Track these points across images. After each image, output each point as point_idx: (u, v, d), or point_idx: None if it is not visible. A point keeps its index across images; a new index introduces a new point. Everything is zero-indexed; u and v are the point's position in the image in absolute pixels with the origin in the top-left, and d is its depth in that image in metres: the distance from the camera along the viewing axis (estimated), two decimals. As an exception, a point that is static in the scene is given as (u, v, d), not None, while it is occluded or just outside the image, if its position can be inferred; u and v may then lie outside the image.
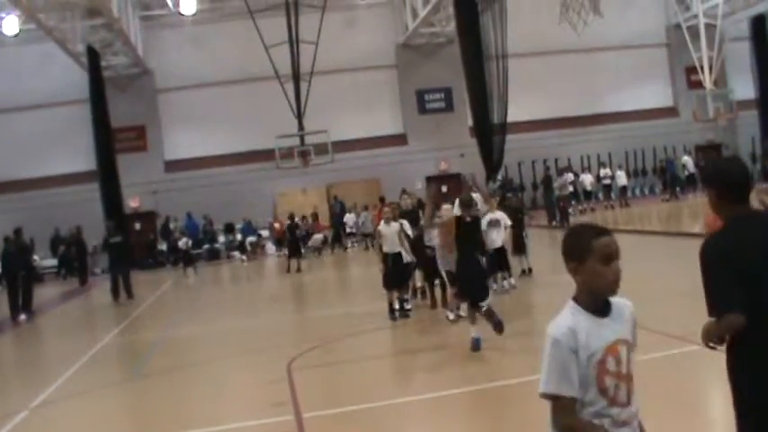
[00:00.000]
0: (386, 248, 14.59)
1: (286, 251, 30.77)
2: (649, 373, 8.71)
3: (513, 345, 11.89)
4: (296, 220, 31.79)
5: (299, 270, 28.74)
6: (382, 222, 15.07)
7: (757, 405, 3.89)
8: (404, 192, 17.29)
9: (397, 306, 14.75)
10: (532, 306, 15.85)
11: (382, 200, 36.86)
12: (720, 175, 4.12)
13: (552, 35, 36.15)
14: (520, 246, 18.36)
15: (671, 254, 20.75)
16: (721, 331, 3.93)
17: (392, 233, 14.56)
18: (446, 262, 13.15)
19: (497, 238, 15.98)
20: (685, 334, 10.22)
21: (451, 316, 13.74)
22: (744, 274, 3.82)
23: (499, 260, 16.26)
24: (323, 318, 16.36)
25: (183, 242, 34.37)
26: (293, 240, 30.14)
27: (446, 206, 13.96)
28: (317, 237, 37.49)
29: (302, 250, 31.28)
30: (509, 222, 16.40)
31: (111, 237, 26.48)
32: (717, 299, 3.89)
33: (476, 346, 11.16)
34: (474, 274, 11.61)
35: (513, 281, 16.76)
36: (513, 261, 17.63)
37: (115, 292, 24.88)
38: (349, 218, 37.61)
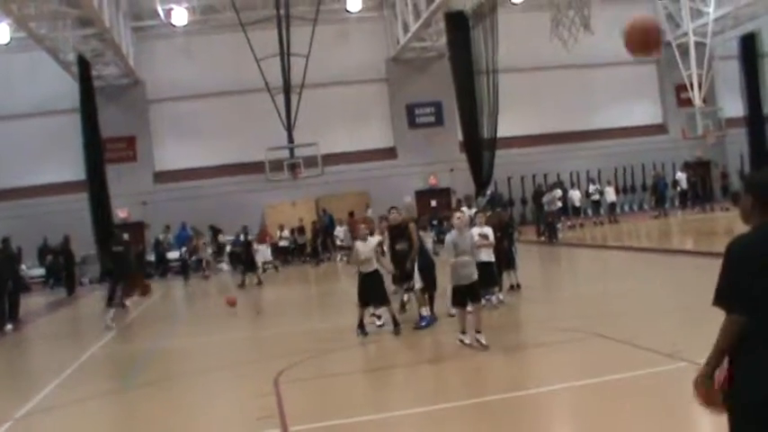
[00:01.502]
0: (360, 267, 14.47)
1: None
2: (638, 390, 8.73)
3: (502, 359, 11.91)
4: (248, 234, 31.56)
5: (259, 283, 28.77)
6: (359, 241, 14.71)
7: (752, 400, 4.06)
8: (392, 208, 17.29)
9: (379, 322, 15.01)
10: (521, 321, 15.83)
11: (351, 214, 36.90)
12: (764, 183, 4.32)
13: (543, 51, 36.30)
14: (509, 261, 18.23)
15: (660, 271, 20.82)
16: (722, 332, 4.12)
17: (369, 250, 14.41)
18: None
19: (483, 252, 15.99)
20: (674, 351, 10.24)
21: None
22: (763, 277, 4.04)
23: (487, 275, 16.23)
24: (310, 331, 16.32)
25: (183, 252, 34.54)
26: (248, 255, 30.06)
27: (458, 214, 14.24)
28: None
29: (258, 264, 30.96)
30: (492, 239, 16.39)
31: (114, 245, 26.03)
32: (726, 294, 4.13)
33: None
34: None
35: (501, 296, 16.74)
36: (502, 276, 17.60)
37: (110, 299, 23.86)
38: (339, 231, 37.56)
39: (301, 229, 39.48)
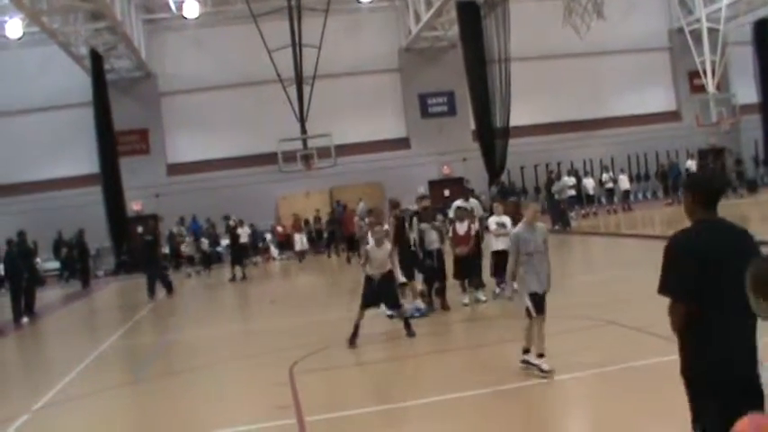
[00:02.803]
0: (371, 270, 13.37)
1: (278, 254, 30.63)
2: (652, 378, 8.71)
3: (516, 348, 11.92)
4: (236, 224, 31.88)
5: (243, 278, 28.90)
6: (372, 244, 13.63)
7: (700, 370, 4.79)
8: (422, 197, 17.46)
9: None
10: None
11: (344, 207, 36.77)
12: (702, 183, 5.00)
13: (555, 39, 36.22)
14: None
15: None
16: (673, 318, 4.86)
17: (383, 256, 13.37)
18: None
19: (501, 241, 16.05)
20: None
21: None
22: (704, 268, 4.64)
23: (505, 264, 16.24)
24: (324, 321, 16.36)
25: (205, 244, 34.90)
26: (236, 247, 30.40)
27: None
28: (299, 238, 37.26)
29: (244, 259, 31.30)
30: (510, 228, 16.43)
31: (145, 234, 27.79)
32: (673, 284, 4.76)
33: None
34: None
35: (515, 285, 16.64)
36: None
37: (151, 291, 25.50)
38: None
39: (317, 220, 39.58)
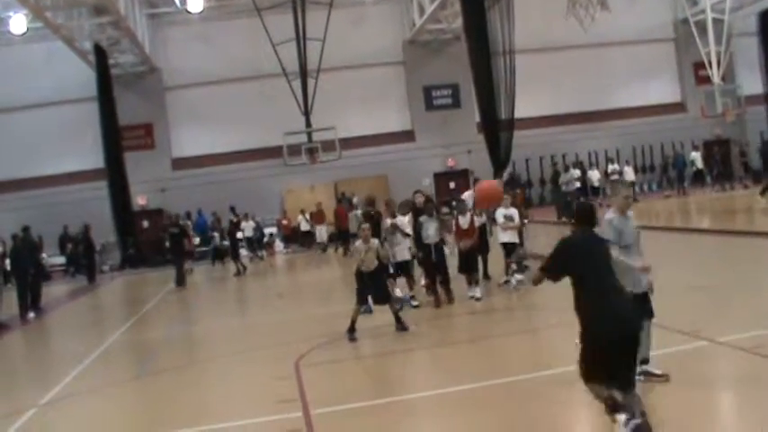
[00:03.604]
0: (362, 266, 13.57)
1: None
2: (660, 369, 8.69)
3: (524, 340, 11.91)
4: (238, 219, 32.23)
5: (239, 273, 29.11)
6: (360, 242, 13.78)
7: (584, 328, 6.89)
8: (417, 192, 17.30)
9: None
10: (541, 302, 15.70)
11: (339, 201, 36.75)
12: (578, 213, 7.67)
13: (560, 31, 36.15)
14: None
15: (678, 250, 20.72)
16: (535, 279, 7.67)
17: (371, 254, 13.53)
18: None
19: (508, 234, 16.06)
20: (694, 330, 10.21)
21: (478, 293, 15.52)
22: (576, 256, 7.14)
23: (509, 255, 16.30)
24: (328, 315, 16.35)
25: (217, 238, 35.25)
26: (235, 242, 30.89)
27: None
28: (320, 229, 37.41)
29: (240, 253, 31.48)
30: (517, 221, 16.45)
31: (171, 227, 28.65)
32: (551, 264, 7.29)
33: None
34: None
35: (519, 276, 16.60)
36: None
37: (179, 281, 26.81)
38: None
39: (320, 213, 39.55)
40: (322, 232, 37.11)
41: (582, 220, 7.48)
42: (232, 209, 34.17)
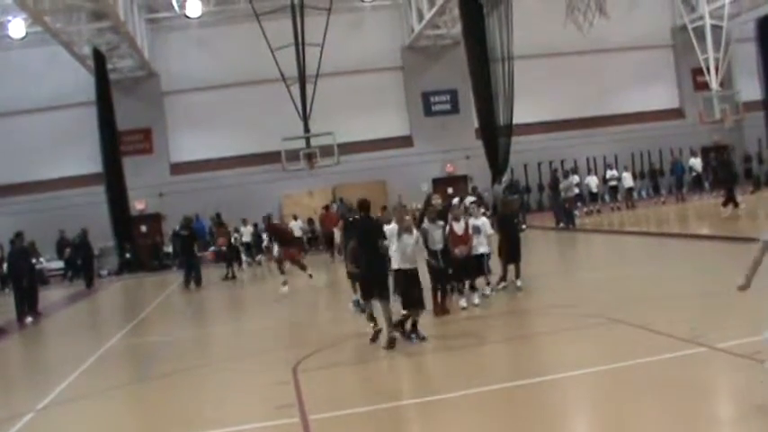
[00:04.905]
0: (407, 264, 12.92)
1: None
2: (657, 375, 8.69)
3: (520, 346, 11.89)
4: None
5: (233, 277, 29.24)
6: (405, 234, 13.06)
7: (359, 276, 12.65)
8: (432, 194, 17.28)
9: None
10: (538, 307, 15.69)
11: (326, 207, 36.79)
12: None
13: (558, 37, 36.10)
14: (515, 253, 16.96)
15: (677, 256, 20.72)
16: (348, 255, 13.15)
17: (416, 247, 13.11)
18: None
19: (479, 244, 15.75)
20: (693, 336, 10.19)
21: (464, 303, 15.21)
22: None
23: (479, 266, 15.94)
24: (327, 320, 16.32)
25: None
26: (231, 247, 31.53)
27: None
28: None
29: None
30: (489, 231, 16.10)
31: (180, 229, 28.79)
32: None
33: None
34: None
35: (488, 290, 16.27)
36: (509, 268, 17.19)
37: (187, 281, 27.41)
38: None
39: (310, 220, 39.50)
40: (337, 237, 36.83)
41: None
42: (218, 215, 34.21)
